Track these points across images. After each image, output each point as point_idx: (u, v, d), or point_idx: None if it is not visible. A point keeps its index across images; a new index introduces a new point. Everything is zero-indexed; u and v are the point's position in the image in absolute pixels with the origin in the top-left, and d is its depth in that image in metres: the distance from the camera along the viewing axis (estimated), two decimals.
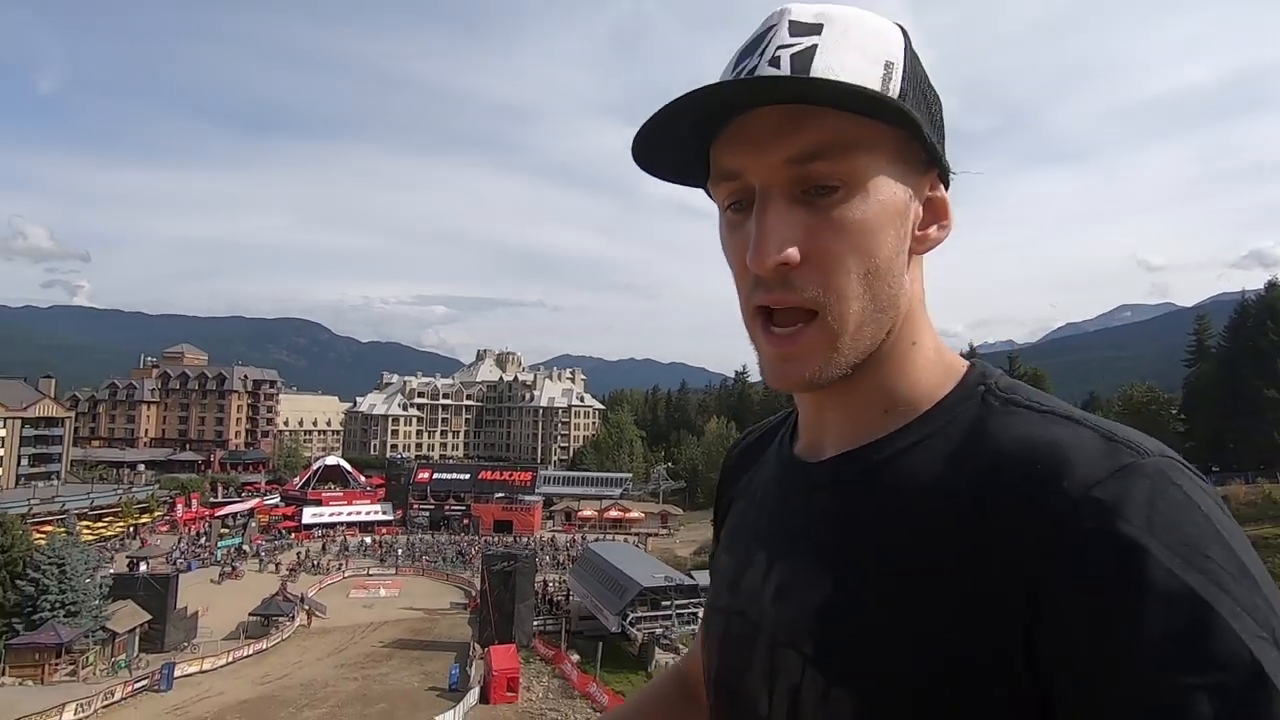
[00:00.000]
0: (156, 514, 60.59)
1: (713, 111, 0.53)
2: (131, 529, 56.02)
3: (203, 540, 53.29)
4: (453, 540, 56.39)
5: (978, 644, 0.45)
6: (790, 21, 0.53)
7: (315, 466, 68.20)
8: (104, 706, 23.61)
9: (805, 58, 0.51)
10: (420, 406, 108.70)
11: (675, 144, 0.55)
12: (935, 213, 0.57)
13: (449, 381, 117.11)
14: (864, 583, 0.52)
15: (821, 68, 0.50)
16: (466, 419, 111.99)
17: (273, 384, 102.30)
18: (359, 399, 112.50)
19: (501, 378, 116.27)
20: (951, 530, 0.48)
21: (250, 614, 33.92)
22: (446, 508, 64.28)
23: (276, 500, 63.06)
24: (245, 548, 51.58)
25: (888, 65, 0.52)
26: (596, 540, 49.27)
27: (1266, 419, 48.03)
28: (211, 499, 65.40)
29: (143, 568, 36.31)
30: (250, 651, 30.47)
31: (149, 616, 29.82)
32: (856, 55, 0.51)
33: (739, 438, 0.82)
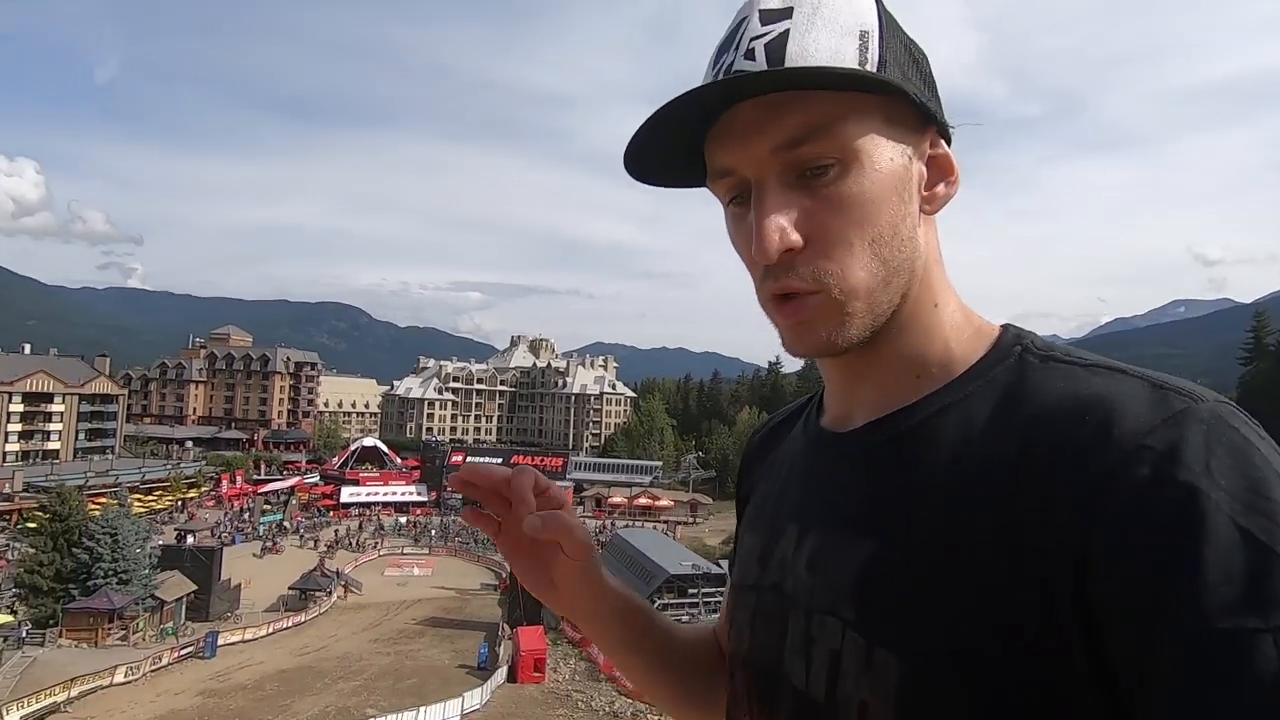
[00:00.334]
0: (203, 489, 62.94)
1: (697, 114, 0.53)
2: (180, 503, 58.27)
3: (246, 516, 55.10)
4: None
5: (1025, 598, 0.44)
6: (760, 10, 0.53)
7: (353, 447, 70.01)
8: (152, 670, 24.75)
9: (778, 45, 0.51)
10: (455, 391, 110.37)
11: (666, 152, 0.56)
12: (940, 170, 0.57)
13: (483, 367, 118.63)
14: (903, 544, 0.51)
15: (795, 53, 0.50)
16: (500, 404, 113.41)
17: (314, 366, 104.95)
18: (396, 382, 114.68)
19: (535, 364, 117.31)
20: (995, 487, 0.48)
21: (290, 588, 35.08)
22: None
23: (316, 479, 64.91)
24: (286, 524, 53.22)
25: (863, 35, 0.52)
26: (626, 527, 49.61)
27: None
28: (255, 476, 67.48)
29: (190, 540, 37.86)
30: (289, 624, 31.56)
31: (195, 587, 31.07)
32: (828, 32, 0.51)
33: (761, 424, 0.82)
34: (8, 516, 43.53)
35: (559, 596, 0.70)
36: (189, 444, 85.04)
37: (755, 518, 0.71)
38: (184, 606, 30.70)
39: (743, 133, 0.53)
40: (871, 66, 0.51)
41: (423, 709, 21.43)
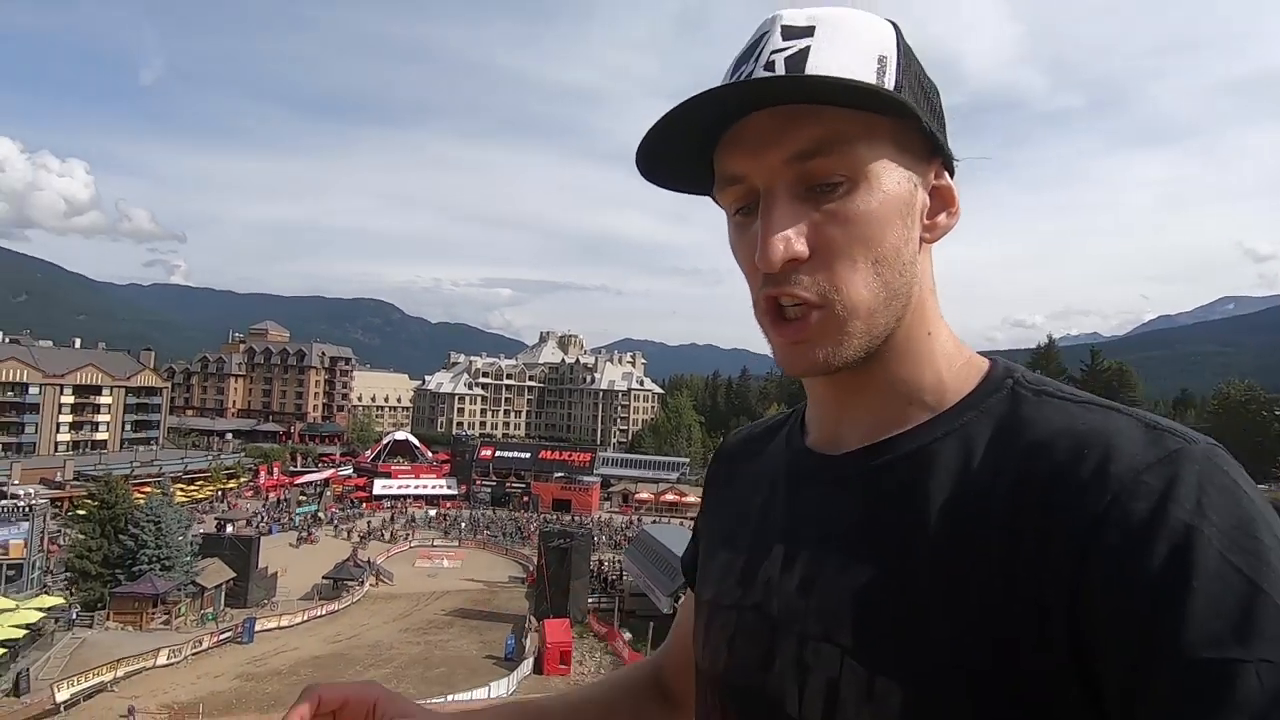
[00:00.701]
0: (242, 480, 64.65)
1: (712, 118, 0.53)
2: (219, 493, 59.97)
3: (282, 506, 56.51)
4: (512, 516, 57.98)
5: (1023, 623, 0.45)
6: (783, 26, 0.53)
7: (386, 441, 71.22)
8: (193, 653, 25.60)
9: (799, 60, 0.51)
10: (485, 386, 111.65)
11: (677, 154, 0.56)
12: (942, 200, 0.58)
13: (512, 362, 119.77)
14: (901, 570, 0.51)
15: (815, 67, 0.51)
16: (528, 399, 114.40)
17: (348, 361, 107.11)
18: (428, 377, 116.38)
19: (563, 360, 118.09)
20: (993, 515, 0.48)
21: (324, 577, 35.92)
22: (508, 485, 66.03)
23: (350, 471, 66.21)
24: (321, 515, 54.44)
25: (881, 60, 0.53)
26: (653, 523, 49.72)
27: None
28: (291, 468, 69.11)
29: (229, 529, 38.94)
30: (323, 612, 32.34)
31: (234, 574, 31.97)
32: (849, 53, 0.52)
33: (732, 433, 0.80)
34: (59, 504, 45.30)
35: None
36: (229, 436, 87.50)
37: (731, 535, 0.69)
38: (223, 593, 31.63)
39: (757, 140, 0.53)
40: None
41: (450, 697, 21.83)
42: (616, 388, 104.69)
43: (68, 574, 31.79)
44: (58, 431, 71.06)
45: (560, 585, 30.74)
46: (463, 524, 54.64)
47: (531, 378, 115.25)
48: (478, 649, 28.66)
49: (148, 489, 43.61)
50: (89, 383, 73.94)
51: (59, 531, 39.36)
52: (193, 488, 57.86)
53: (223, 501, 57.56)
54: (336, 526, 51.84)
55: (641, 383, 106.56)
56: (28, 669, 22.33)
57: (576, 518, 55.97)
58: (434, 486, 64.46)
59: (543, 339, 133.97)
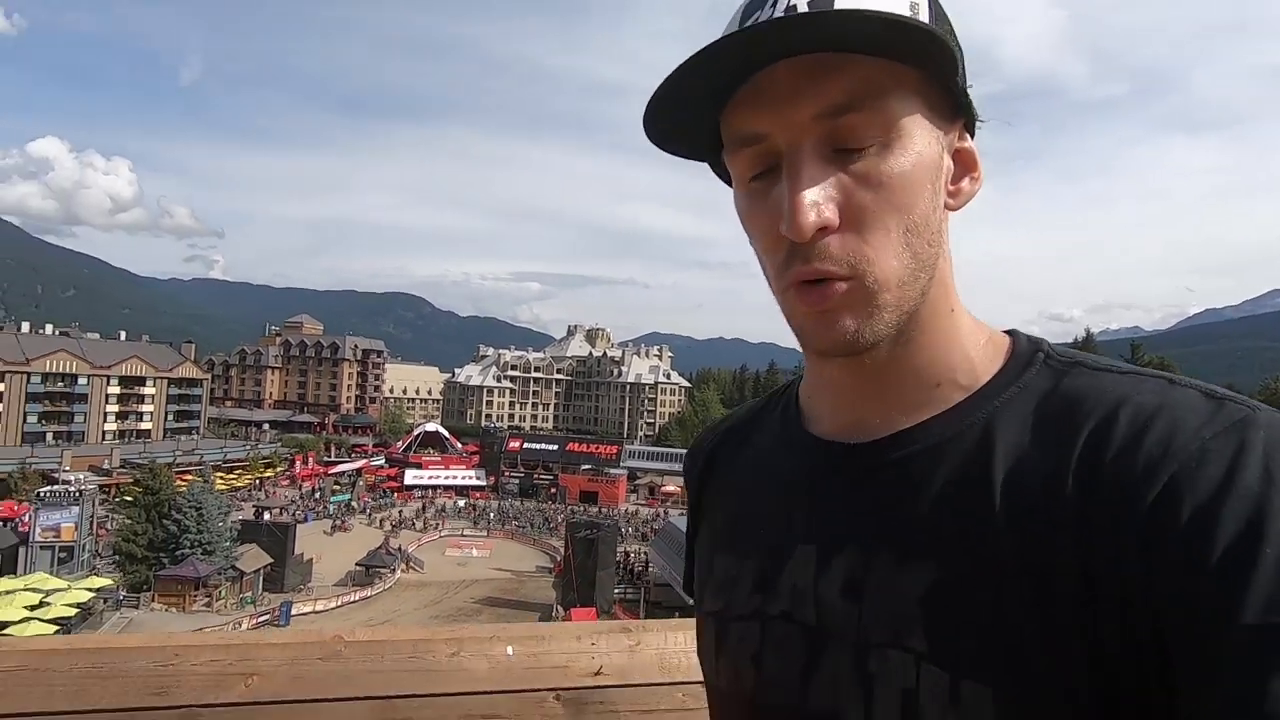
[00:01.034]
0: (278, 469, 66.41)
1: (727, 70, 0.47)
2: (257, 481, 61.70)
3: (317, 495, 57.94)
4: (540, 508, 58.66)
5: (1104, 608, 0.43)
6: None
7: (416, 432, 72.65)
8: None
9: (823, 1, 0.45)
10: (513, 379, 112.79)
11: (688, 114, 0.50)
12: (965, 165, 0.53)
13: (540, 356, 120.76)
14: (971, 565, 0.47)
15: (845, 5, 0.45)
16: (556, 392, 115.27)
17: (380, 354, 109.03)
18: (457, 370, 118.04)
19: (591, 353, 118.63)
20: (1060, 499, 0.46)
21: (357, 564, 36.81)
22: (535, 476, 66.77)
23: (382, 462, 67.66)
24: (354, 504, 55.71)
25: (913, 6, 0.47)
26: (679, 515, 49.89)
27: None
28: (325, 458, 70.77)
29: (266, 516, 40.08)
30: (356, 597, 33.19)
31: (271, 560, 33.01)
32: None
33: (705, 430, 0.74)
34: (107, 490, 47.13)
35: None
36: (265, 426, 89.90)
37: (735, 539, 0.63)
38: (261, 578, 32.62)
39: (781, 95, 0.47)
40: None
41: None
42: (644, 381, 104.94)
43: (115, 556, 33.08)
44: (105, 421, 73.77)
45: (587, 575, 31.07)
46: (491, 514, 55.42)
47: (559, 371, 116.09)
48: None
49: (189, 476, 45.07)
50: (134, 374, 76.61)
51: (107, 516, 40.91)
52: (231, 476, 59.59)
53: (260, 490, 59.18)
54: (369, 515, 52.99)
55: (669, 376, 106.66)
56: None
57: (603, 509, 56.39)
58: (463, 477, 65.46)
59: (570, 332, 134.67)
